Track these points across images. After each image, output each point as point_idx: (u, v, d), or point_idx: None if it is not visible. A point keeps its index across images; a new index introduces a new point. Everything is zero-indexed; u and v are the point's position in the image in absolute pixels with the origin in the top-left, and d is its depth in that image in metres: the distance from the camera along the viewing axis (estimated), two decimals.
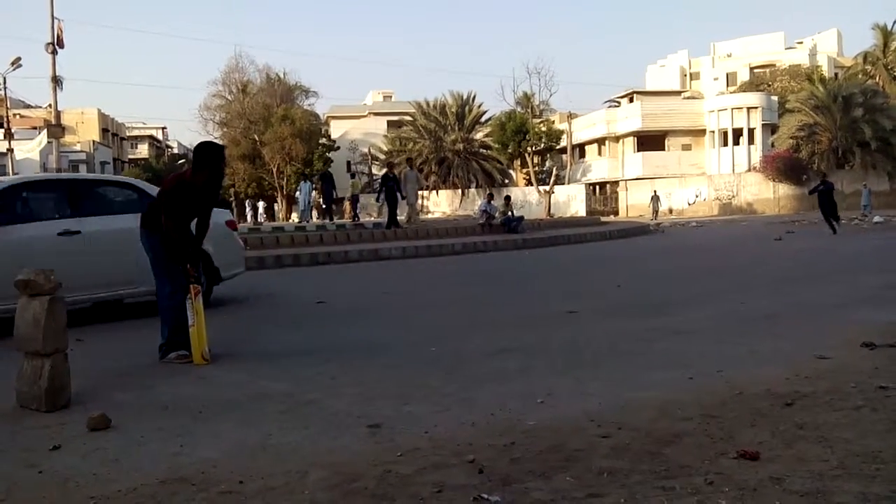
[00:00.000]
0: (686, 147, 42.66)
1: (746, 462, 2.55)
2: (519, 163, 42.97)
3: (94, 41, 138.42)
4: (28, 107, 47.65)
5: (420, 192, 21.56)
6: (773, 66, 53.67)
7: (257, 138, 40.91)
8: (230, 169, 40.32)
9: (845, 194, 34.33)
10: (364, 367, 4.36)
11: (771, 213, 34.50)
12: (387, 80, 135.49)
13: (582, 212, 38.00)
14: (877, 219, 22.54)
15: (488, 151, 40.97)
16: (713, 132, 41.37)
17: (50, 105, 34.97)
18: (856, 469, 2.45)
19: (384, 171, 21.95)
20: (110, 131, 62.07)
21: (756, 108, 40.50)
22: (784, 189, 36.02)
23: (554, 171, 40.77)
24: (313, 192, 26.01)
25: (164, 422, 3.30)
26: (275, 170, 40.65)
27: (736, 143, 40.68)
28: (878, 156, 35.51)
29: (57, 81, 30.07)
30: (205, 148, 4.75)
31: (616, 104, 47.82)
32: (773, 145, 39.62)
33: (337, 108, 51.93)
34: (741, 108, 40.52)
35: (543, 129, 39.82)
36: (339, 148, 44.47)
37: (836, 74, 48.85)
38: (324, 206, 24.93)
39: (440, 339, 5.17)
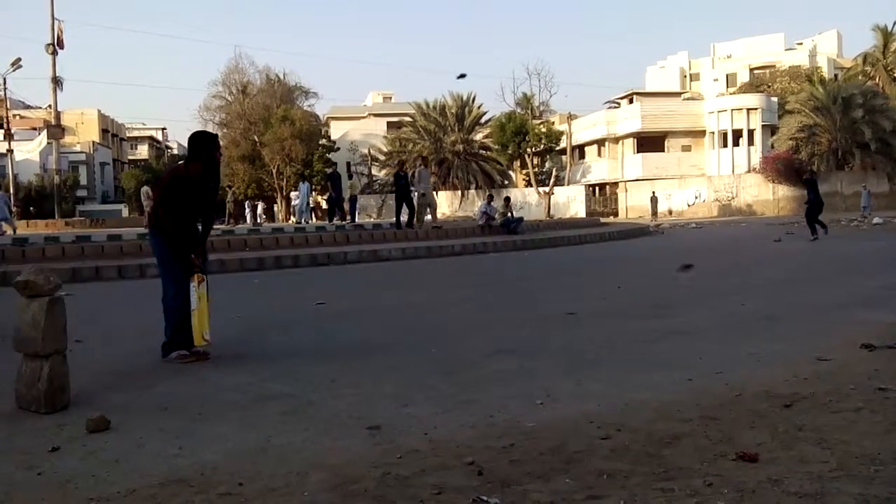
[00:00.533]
0: (686, 148, 42.71)
1: (745, 464, 2.55)
2: (519, 164, 42.99)
3: (94, 42, 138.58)
4: (28, 107, 47.67)
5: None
6: (773, 67, 53.77)
7: (257, 139, 40.94)
8: (230, 170, 40.35)
9: (845, 195, 34.41)
10: (364, 368, 4.36)
11: (771, 215, 34.50)
12: (387, 81, 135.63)
13: (582, 213, 38.03)
14: (876, 220, 22.56)
15: (488, 152, 40.97)
16: (713, 133, 41.41)
17: (50, 106, 35.01)
18: (855, 471, 2.46)
19: (395, 169, 21.60)
20: (110, 132, 62.12)
21: (756, 109, 40.56)
22: (784, 190, 36.03)
23: (553, 173, 40.80)
24: (313, 193, 25.99)
25: (164, 423, 3.30)
26: (274, 171, 40.66)
27: (736, 144, 40.72)
28: (877, 157, 35.56)
29: (57, 82, 30.07)
30: (196, 137, 4.73)
31: (616, 105, 47.86)
32: (772, 146, 39.65)
33: (337, 109, 51.91)
34: (741, 109, 40.57)
35: (543, 130, 39.83)
36: (338, 149, 44.48)
37: (835, 75, 48.92)
38: (325, 207, 24.90)
39: (439, 341, 5.17)
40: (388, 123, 48.05)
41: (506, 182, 42.26)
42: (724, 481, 2.40)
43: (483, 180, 39.92)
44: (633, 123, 42.13)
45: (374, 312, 6.94)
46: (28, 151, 37.41)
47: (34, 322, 3.53)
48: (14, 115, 43.93)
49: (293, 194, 35.15)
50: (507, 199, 19.79)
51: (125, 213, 47.84)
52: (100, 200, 54.18)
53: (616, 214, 40.24)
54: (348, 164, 47.09)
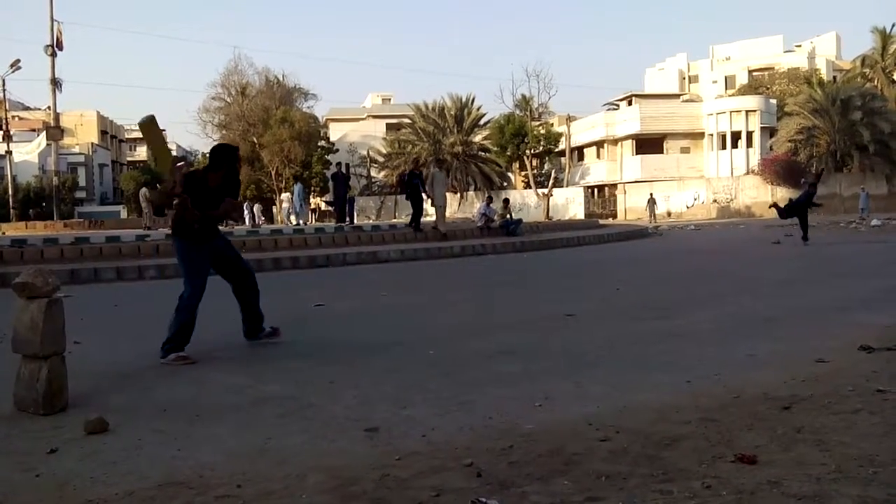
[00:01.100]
0: (684, 150, 42.76)
1: (744, 466, 2.55)
2: (517, 165, 43.03)
3: (93, 43, 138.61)
4: (27, 109, 47.71)
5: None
6: (772, 69, 53.81)
7: (256, 140, 40.90)
8: None
9: (843, 197, 34.47)
10: (362, 370, 4.36)
11: (769, 217, 34.51)
12: (386, 83, 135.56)
13: (580, 214, 38.04)
14: (875, 222, 22.60)
15: (487, 154, 40.99)
16: (712, 135, 41.45)
17: (49, 107, 34.99)
18: (853, 472, 2.46)
19: (410, 168, 20.72)
20: (109, 133, 62.07)
21: (754, 111, 40.62)
22: (782, 192, 35.95)
23: (552, 174, 40.86)
24: (313, 193, 25.80)
25: (162, 425, 3.29)
26: (273, 172, 40.64)
27: (734, 146, 40.76)
28: (876, 159, 35.63)
29: (56, 83, 30.06)
30: (219, 149, 4.99)
31: (615, 107, 47.93)
32: (771, 148, 39.72)
33: (336, 111, 51.90)
34: (740, 111, 40.63)
35: (542, 131, 39.87)
36: (337, 150, 44.45)
37: (834, 78, 48.99)
38: (326, 209, 24.58)
39: (438, 342, 5.17)
40: (387, 125, 48.08)
41: (505, 184, 42.28)
42: (723, 483, 2.40)
43: (482, 182, 39.96)
44: (631, 125, 42.17)
45: (372, 314, 6.94)
46: (27, 153, 37.37)
47: (32, 324, 3.52)
48: (13, 117, 43.92)
49: (284, 196, 34.95)
50: (506, 201, 19.80)
51: (124, 214, 47.76)
52: (98, 202, 54.11)
53: (615, 216, 40.25)
54: (347, 165, 47.11)
